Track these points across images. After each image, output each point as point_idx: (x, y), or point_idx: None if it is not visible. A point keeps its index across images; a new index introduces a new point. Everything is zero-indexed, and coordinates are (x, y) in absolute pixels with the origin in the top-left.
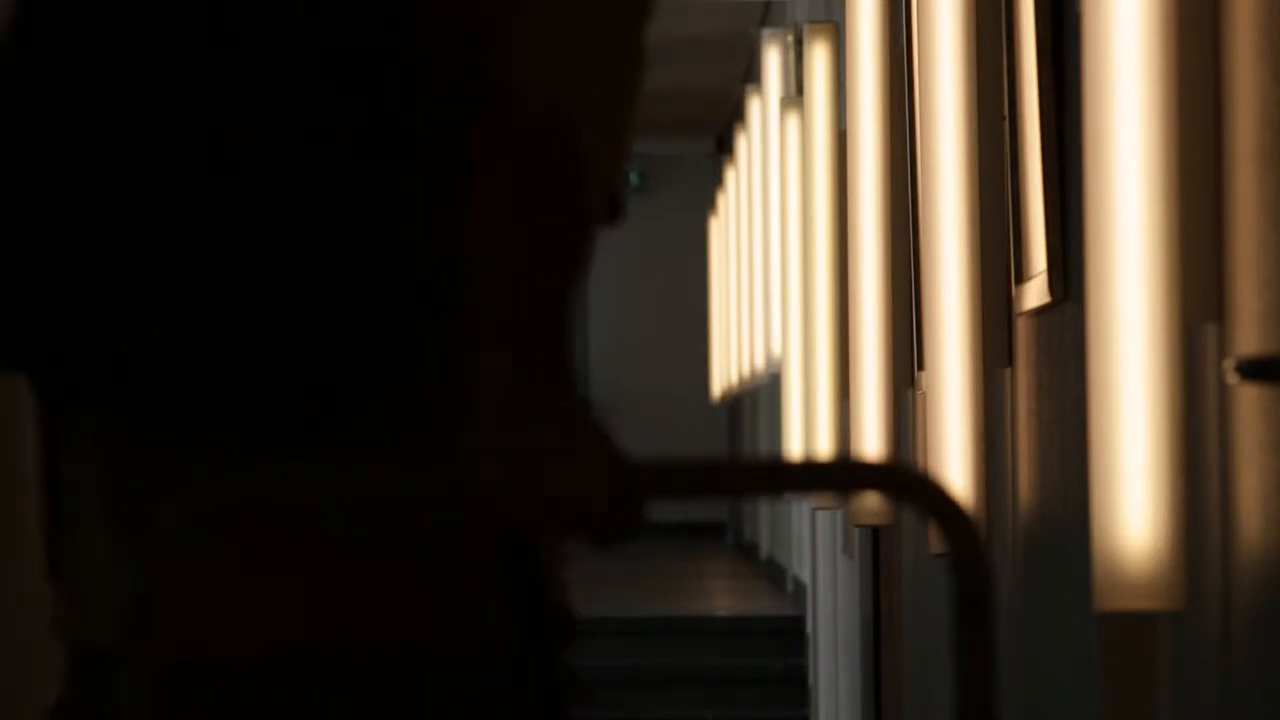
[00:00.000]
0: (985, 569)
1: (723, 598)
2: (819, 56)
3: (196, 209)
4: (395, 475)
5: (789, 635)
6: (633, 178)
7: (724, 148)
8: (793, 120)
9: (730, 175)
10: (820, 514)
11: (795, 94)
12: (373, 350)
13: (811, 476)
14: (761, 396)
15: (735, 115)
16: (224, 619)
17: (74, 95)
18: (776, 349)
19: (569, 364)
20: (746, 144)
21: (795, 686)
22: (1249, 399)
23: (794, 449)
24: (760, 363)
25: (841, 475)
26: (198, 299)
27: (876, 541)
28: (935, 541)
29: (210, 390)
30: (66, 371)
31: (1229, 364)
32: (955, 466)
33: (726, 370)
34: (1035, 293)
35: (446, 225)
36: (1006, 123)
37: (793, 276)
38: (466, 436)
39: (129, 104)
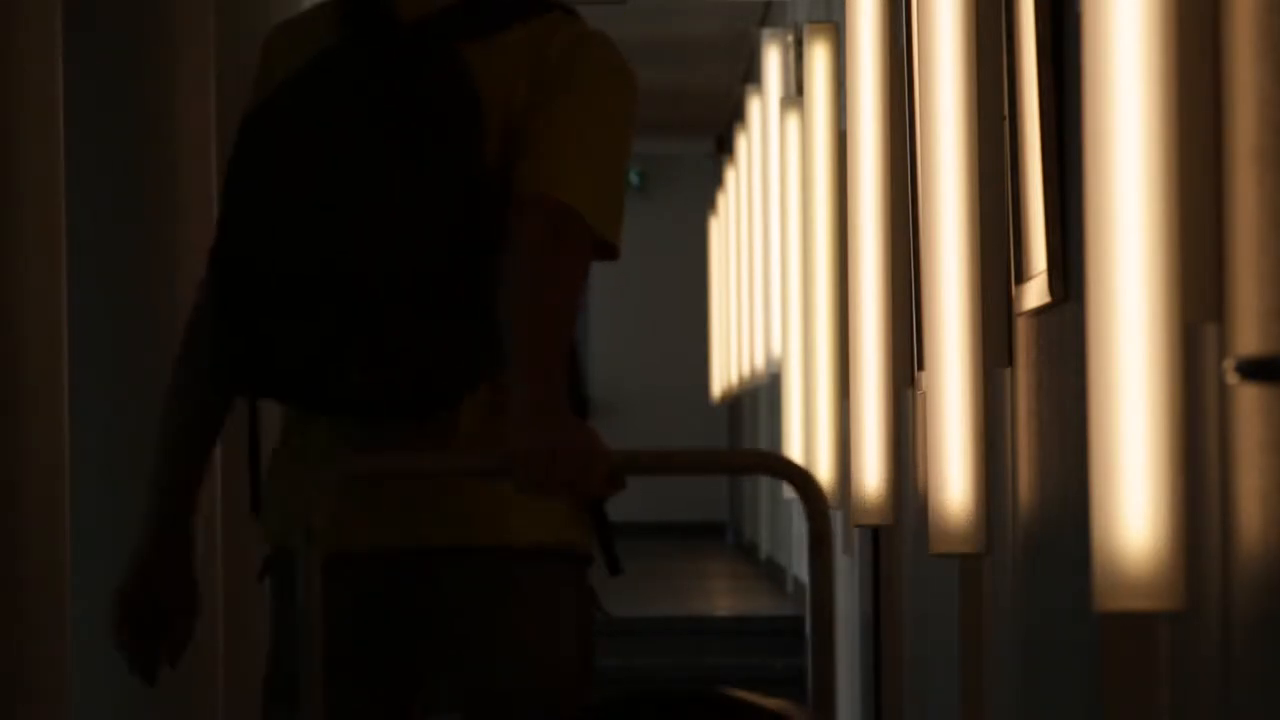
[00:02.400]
0: (827, 520)
1: (723, 598)
2: (819, 56)
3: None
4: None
5: (789, 635)
6: (633, 178)
7: (724, 148)
8: (793, 120)
9: (730, 175)
10: None
11: (795, 94)
12: (474, 358)
13: (720, 461)
14: (761, 396)
15: (735, 115)
16: (365, 523)
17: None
18: (776, 349)
19: (565, 383)
20: (746, 144)
21: (795, 686)
22: (1249, 399)
23: (794, 448)
24: (760, 363)
25: (740, 459)
26: (383, 334)
27: (876, 541)
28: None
29: (376, 388)
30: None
31: (1229, 364)
32: (955, 466)
33: (726, 370)
34: (1035, 293)
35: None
36: (1006, 123)
37: (793, 276)
38: (512, 434)
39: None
